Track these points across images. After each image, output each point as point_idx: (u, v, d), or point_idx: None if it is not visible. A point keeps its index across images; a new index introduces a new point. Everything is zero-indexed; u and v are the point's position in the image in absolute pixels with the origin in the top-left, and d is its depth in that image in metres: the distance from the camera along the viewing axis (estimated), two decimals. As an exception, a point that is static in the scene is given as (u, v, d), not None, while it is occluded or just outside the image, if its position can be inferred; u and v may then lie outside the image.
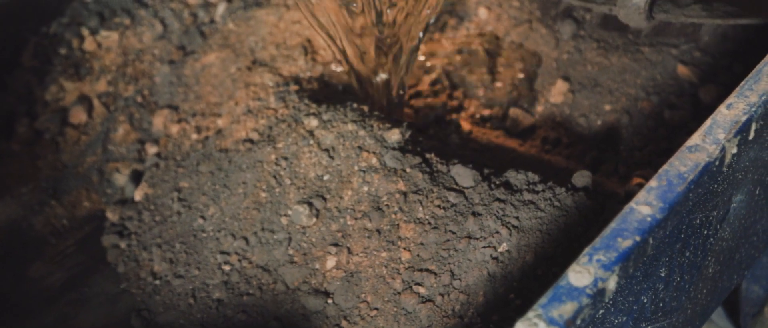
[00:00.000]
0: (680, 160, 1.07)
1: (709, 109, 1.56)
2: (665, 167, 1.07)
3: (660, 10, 1.64)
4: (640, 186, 1.55)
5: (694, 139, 1.09)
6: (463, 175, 1.55)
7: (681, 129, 1.81)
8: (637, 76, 1.92)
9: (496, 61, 2.06)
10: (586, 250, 0.97)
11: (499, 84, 2.03)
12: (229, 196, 1.73)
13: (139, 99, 2.02)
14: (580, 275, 0.93)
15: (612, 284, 0.96)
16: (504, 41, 2.09)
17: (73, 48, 2.09)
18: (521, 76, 2.03)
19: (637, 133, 1.84)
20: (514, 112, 1.95)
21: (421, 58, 2.09)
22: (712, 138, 1.09)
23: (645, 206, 1.02)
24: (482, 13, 2.13)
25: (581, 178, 1.49)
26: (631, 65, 1.93)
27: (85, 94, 2.03)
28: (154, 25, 2.11)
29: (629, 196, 1.33)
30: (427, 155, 1.63)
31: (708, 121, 1.11)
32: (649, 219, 1.01)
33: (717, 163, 1.09)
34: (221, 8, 2.14)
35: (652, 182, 1.05)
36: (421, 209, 1.53)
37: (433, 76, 2.07)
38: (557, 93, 1.97)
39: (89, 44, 2.09)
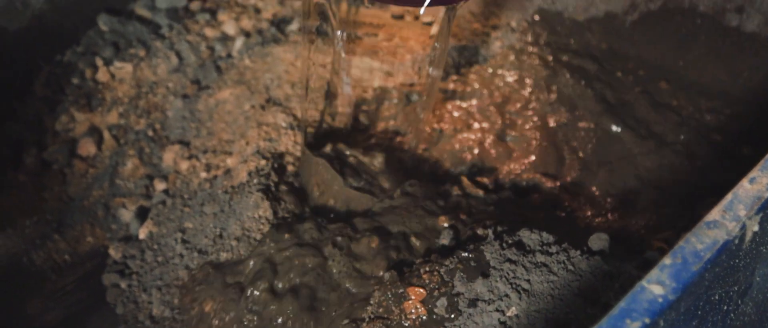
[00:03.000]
0: (697, 236, 0.99)
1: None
2: (681, 242, 0.99)
3: None
4: (661, 251, 1.48)
5: (713, 214, 1.01)
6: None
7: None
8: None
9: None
10: (592, 332, 0.89)
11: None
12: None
13: (151, 133, 1.98)
14: (583, 360, 0.86)
15: (618, 370, 0.88)
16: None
17: (86, 78, 2.05)
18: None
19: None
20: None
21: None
22: (732, 214, 1.01)
23: (657, 285, 0.94)
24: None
25: (598, 241, 1.41)
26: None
27: (96, 126, 1.99)
28: (169, 58, 2.07)
29: (648, 263, 1.26)
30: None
31: (728, 196, 1.03)
32: (660, 299, 0.93)
33: (736, 241, 1.01)
34: (239, 43, 2.10)
35: (666, 259, 0.97)
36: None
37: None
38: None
39: (102, 75, 2.05)
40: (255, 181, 1.75)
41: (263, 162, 1.79)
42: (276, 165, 1.80)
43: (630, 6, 2.04)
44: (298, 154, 1.84)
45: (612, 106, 1.91)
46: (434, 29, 2.15)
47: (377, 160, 1.79)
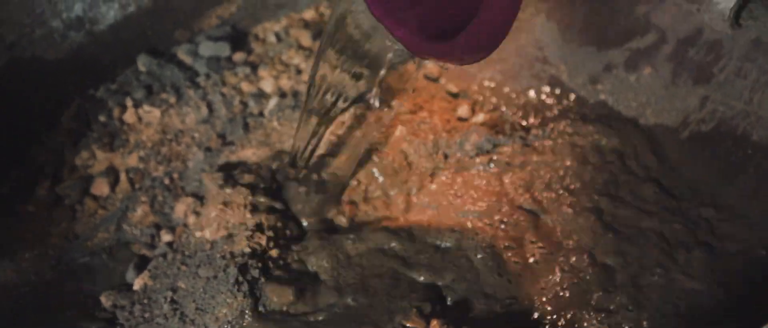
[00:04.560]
0: None
1: None
2: None
3: (749, 17, 1.44)
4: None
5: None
6: None
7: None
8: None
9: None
10: None
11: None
12: (215, 308, 1.61)
13: (167, 181, 1.93)
14: None
15: None
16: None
17: (113, 117, 2.02)
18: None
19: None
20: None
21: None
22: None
23: None
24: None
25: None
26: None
27: (114, 167, 1.95)
28: (199, 108, 2.03)
29: None
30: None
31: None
32: None
33: None
34: (273, 102, 2.05)
35: None
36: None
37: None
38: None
39: (130, 116, 2.02)
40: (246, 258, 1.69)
41: (263, 238, 1.73)
42: (279, 243, 1.75)
43: (681, 123, 1.94)
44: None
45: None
46: (464, 111, 2.07)
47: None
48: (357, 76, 1.76)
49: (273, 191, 1.88)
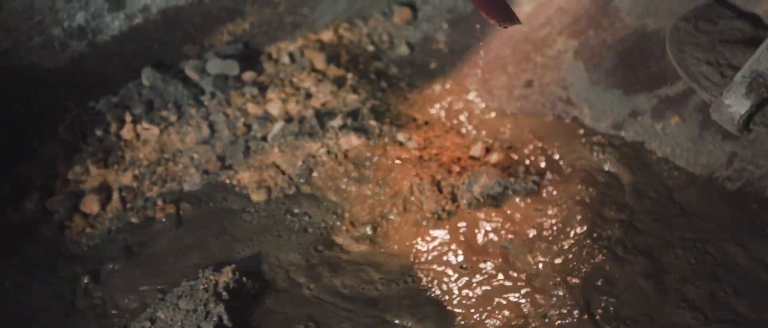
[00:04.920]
0: None
1: None
2: None
3: (761, 122, 1.41)
4: None
5: None
6: None
7: None
8: None
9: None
10: None
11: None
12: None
13: (160, 203, 1.85)
14: None
15: None
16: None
17: (110, 132, 1.94)
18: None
19: None
20: None
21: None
22: None
23: None
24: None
25: None
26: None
27: (107, 183, 1.87)
28: (201, 128, 1.95)
29: None
30: None
31: None
32: None
33: None
34: (277, 127, 1.96)
35: None
36: None
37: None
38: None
39: (127, 132, 1.94)
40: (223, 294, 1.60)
41: (243, 278, 1.64)
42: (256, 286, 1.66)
43: (707, 179, 1.82)
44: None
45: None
46: (476, 150, 1.96)
47: None
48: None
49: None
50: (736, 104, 1.38)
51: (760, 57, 1.36)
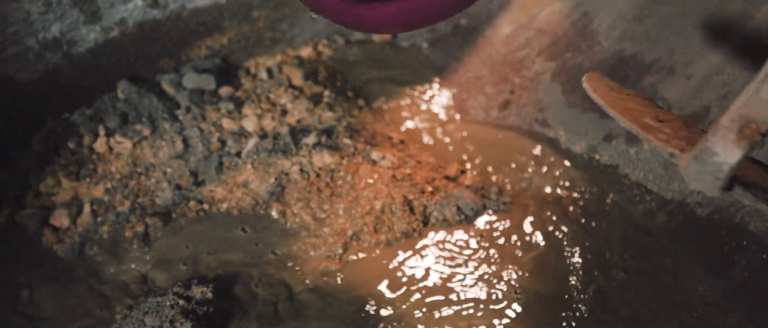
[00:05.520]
0: None
1: None
2: None
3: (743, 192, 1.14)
4: None
5: None
6: None
7: None
8: None
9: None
10: None
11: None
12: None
13: (133, 218, 1.84)
14: None
15: None
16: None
17: (83, 144, 1.93)
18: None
19: None
20: None
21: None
22: None
23: None
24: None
25: None
26: None
27: (78, 196, 1.86)
28: (174, 143, 1.94)
29: None
30: None
31: None
32: None
33: None
34: (251, 143, 1.95)
35: None
36: None
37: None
38: None
39: (100, 145, 1.93)
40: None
41: (209, 293, 1.63)
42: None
43: (677, 205, 1.82)
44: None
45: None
46: (451, 170, 1.95)
47: None
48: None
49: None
50: (725, 153, 1.11)
51: (749, 100, 1.11)
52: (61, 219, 1.83)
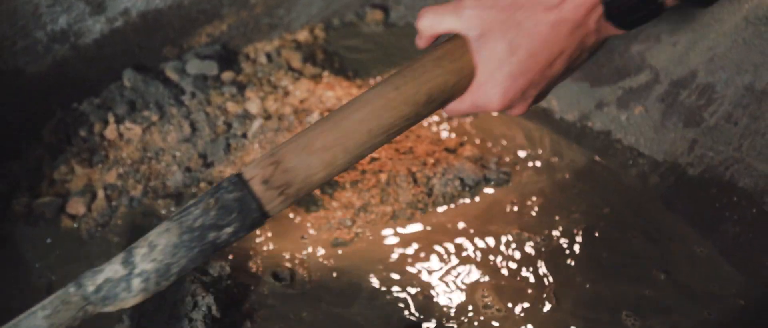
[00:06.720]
0: None
1: None
2: None
3: None
4: None
5: None
6: None
7: None
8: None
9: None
10: None
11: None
12: None
13: (146, 201, 1.90)
14: None
15: None
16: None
17: (94, 132, 1.99)
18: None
19: None
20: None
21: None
22: None
23: None
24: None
25: None
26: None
27: (92, 183, 1.92)
28: (182, 127, 2.01)
29: None
30: None
31: None
32: None
33: None
34: (256, 124, 2.02)
35: None
36: None
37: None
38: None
39: (111, 132, 1.99)
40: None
41: (227, 267, 1.70)
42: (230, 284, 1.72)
43: (670, 166, 1.90)
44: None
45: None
46: (451, 142, 2.02)
47: None
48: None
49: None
50: None
51: None
52: (76, 207, 1.88)
